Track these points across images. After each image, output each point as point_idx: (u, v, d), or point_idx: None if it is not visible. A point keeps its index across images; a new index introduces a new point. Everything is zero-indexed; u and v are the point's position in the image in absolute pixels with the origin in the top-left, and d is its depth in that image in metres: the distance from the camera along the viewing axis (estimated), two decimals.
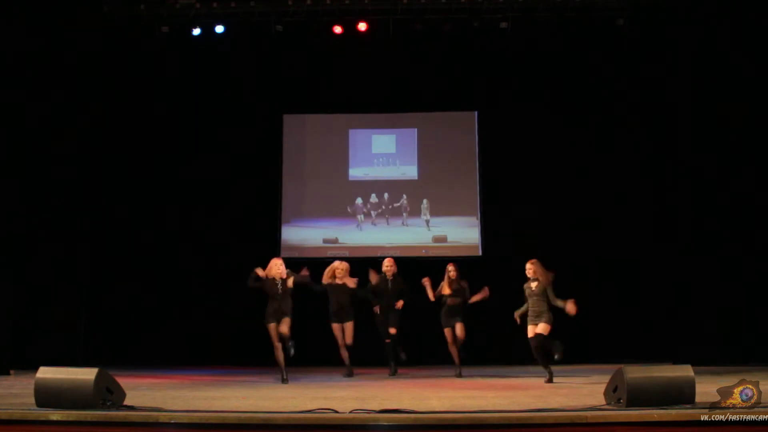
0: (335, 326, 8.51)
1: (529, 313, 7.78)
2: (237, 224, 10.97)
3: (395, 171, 11.26)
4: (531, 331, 7.71)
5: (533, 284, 7.79)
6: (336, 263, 8.71)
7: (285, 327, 7.75)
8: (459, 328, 8.44)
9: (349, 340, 8.48)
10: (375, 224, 11.10)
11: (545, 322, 7.64)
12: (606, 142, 10.80)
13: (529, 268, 7.86)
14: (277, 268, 7.88)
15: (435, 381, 7.90)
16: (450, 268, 8.64)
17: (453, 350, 8.56)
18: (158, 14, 10.61)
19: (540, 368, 7.76)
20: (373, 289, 8.80)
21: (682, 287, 9.73)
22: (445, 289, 8.55)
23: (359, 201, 11.13)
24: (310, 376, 8.35)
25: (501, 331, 9.06)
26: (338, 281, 8.54)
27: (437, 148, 11.22)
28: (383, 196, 11.15)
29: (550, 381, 7.51)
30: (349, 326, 8.50)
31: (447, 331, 8.55)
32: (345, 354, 8.49)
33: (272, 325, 7.75)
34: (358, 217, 11.09)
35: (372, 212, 11.11)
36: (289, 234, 11.11)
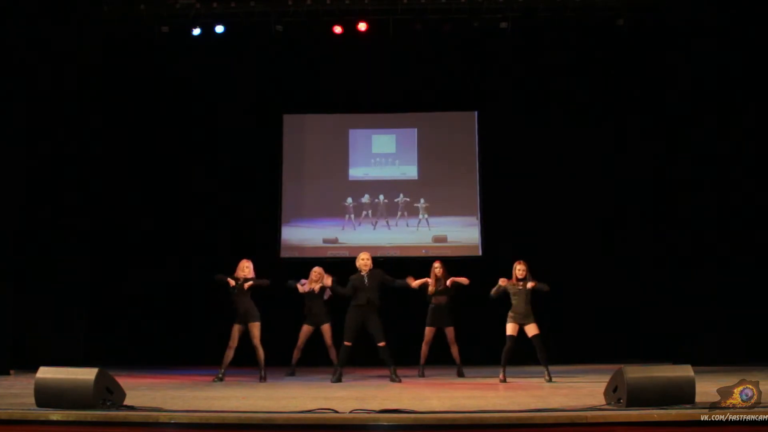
0: (307, 328, 8.70)
1: (515, 312, 7.81)
2: (237, 224, 10.97)
3: (395, 171, 11.26)
4: (514, 329, 7.78)
5: (522, 284, 7.82)
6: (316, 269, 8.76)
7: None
8: (449, 332, 8.53)
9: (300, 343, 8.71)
10: (374, 224, 11.09)
11: (535, 322, 7.77)
12: (606, 142, 10.80)
13: (521, 268, 7.90)
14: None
15: (435, 381, 7.90)
16: (436, 264, 8.60)
17: (425, 349, 8.56)
18: (158, 14, 10.61)
19: (539, 368, 7.78)
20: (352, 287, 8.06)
21: (683, 287, 9.74)
22: (430, 288, 8.53)
23: (349, 201, 11.11)
24: (310, 376, 8.36)
25: (501, 331, 9.02)
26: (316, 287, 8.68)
27: (437, 148, 11.22)
28: (378, 196, 11.12)
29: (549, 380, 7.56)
30: (326, 328, 8.67)
31: (428, 330, 8.55)
32: (297, 355, 8.70)
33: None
34: (347, 216, 11.06)
35: (364, 212, 11.08)
36: (289, 234, 11.11)
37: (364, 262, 8.05)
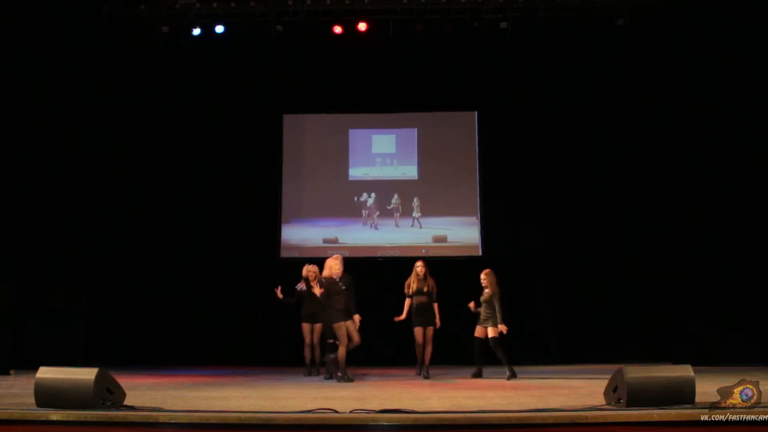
0: (306, 326, 8.60)
1: (480, 316, 8.32)
2: (237, 224, 10.97)
3: (395, 171, 11.26)
4: (480, 332, 8.25)
5: (485, 291, 8.23)
6: (310, 267, 8.65)
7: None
8: (429, 332, 8.48)
9: (316, 339, 8.61)
10: (376, 225, 11.08)
11: (493, 325, 8.11)
12: (606, 142, 10.80)
13: (483, 278, 8.29)
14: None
15: (435, 381, 7.89)
16: (418, 264, 8.59)
17: (419, 350, 8.51)
18: (158, 14, 10.61)
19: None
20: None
21: (682, 287, 9.74)
22: (412, 287, 8.54)
23: (357, 200, 11.13)
24: (310, 376, 8.35)
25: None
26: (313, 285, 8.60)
27: (437, 148, 11.22)
28: (371, 194, 11.12)
29: (479, 376, 8.06)
30: (318, 327, 8.58)
31: (418, 330, 8.48)
32: (308, 353, 8.60)
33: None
34: (344, 216, 11.07)
35: (363, 211, 11.08)
36: (289, 234, 11.10)
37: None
